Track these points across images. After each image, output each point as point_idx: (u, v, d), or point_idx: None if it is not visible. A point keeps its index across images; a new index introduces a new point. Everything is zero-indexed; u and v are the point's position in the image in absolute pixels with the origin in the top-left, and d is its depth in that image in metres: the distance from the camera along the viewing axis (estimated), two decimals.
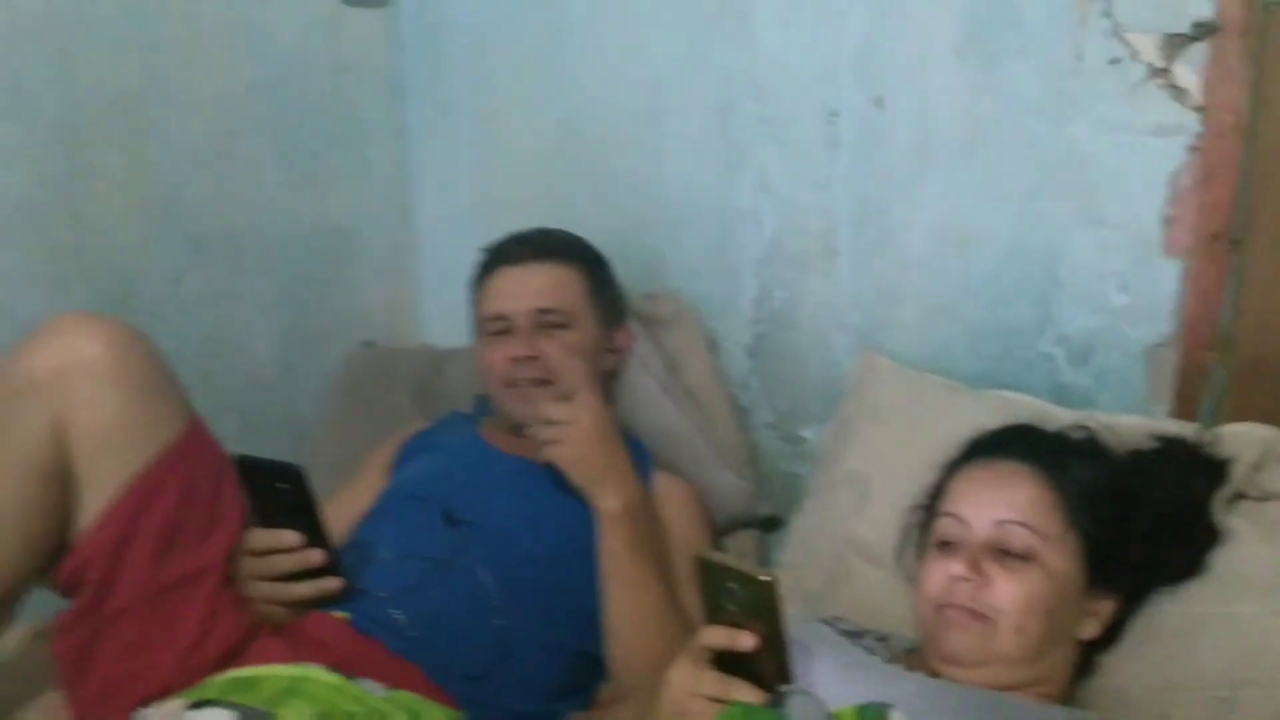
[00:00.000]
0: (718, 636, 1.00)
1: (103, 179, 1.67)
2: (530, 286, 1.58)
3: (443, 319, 2.10)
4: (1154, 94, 1.36)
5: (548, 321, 1.57)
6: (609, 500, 1.39)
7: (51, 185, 1.61)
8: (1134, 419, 1.35)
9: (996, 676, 1.12)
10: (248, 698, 1.15)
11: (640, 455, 1.63)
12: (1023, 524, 1.14)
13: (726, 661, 1.01)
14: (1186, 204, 1.37)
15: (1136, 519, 1.19)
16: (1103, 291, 1.44)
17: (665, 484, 1.58)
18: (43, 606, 1.38)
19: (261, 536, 1.30)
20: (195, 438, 1.32)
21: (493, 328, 1.59)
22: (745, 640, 0.98)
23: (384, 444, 1.69)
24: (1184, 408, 1.41)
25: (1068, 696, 1.19)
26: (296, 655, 1.26)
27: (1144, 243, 1.39)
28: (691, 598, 1.42)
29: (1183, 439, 1.27)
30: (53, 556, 1.26)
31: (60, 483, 1.23)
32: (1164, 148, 1.37)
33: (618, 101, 1.85)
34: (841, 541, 1.45)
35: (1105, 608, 1.18)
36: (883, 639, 1.25)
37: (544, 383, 1.54)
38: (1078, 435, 1.26)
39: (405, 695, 1.22)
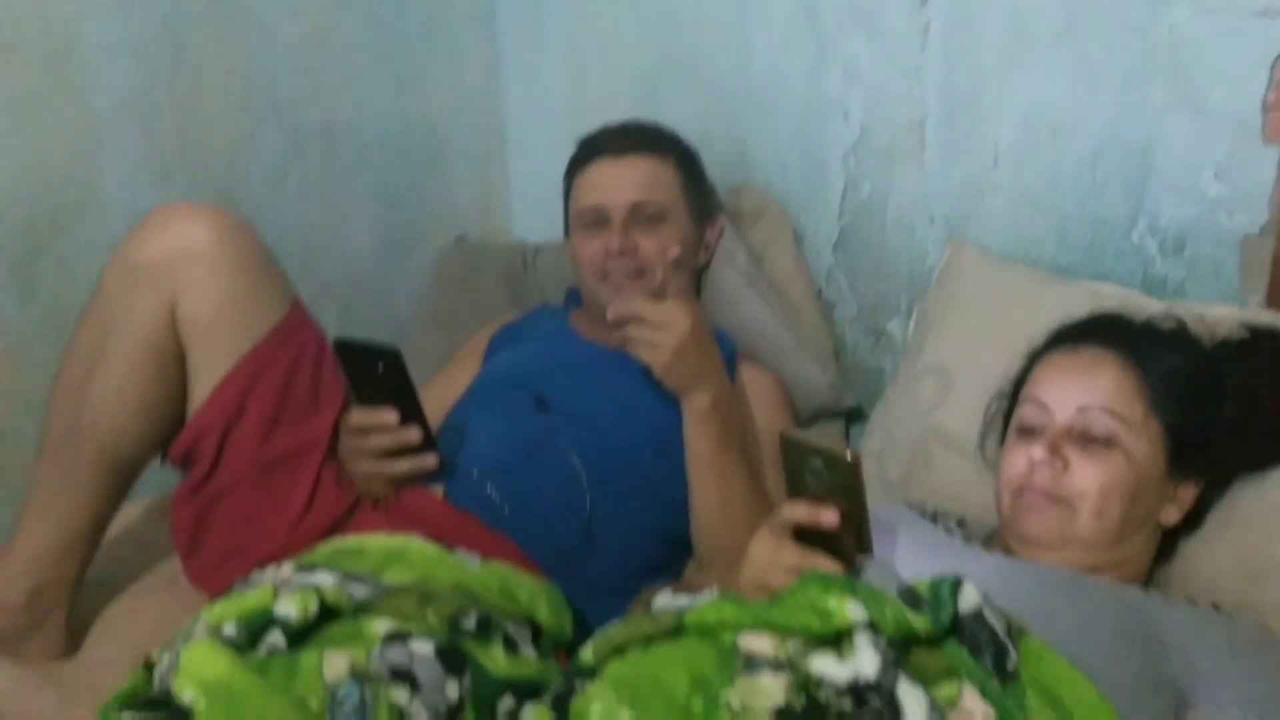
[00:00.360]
0: (800, 511, 1.03)
1: (205, 75, 1.71)
2: (626, 179, 1.59)
3: (533, 214, 2.14)
4: None
5: (643, 215, 1.58)
6: (699, 400, 1.38)
7: (157, 81, 1.66)
8: (1225, 309, 1.33)
9: (1075, 559, 1.14)
10: (352, 564, 1.21)
11: (725, 347, 1.65)
12: (1105, 409, 1.15)
13: (808, 537, 1.04)
14: None
15: (1223, 406, 1.18)
16: (1198, 181, 1.40)
17: (750, 374, 1.60)
18: (161, 483, 1.47)
19: (361, 415, 1.35)
20: (298, 320, 1.38)
21: (588, 219, 1.61)
22: (828, 516, 1.01)
23: (477, 334, 1.74)
24: (1278, 298, 1.38)
25: (1147, 580, 1.21)
26: (395, 527, 1.32)
27: (1243, 129, 1.36)
28: (775, 485, 1.46)
29: (1273, 328, 1.26)
30: (170, 432, 1.33)
31: (175, 362, 1.30)
32: (1267, 30, 1.32)
33: None
34: (924, 430, 1.47)
35: (1188, 494, 1.19)
36: (961, 523, 1.27)
37: (639, 275, 1.56)
38: (1166, 324, 1.25)
39: (498, 565, 1.27)
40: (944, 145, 1.61)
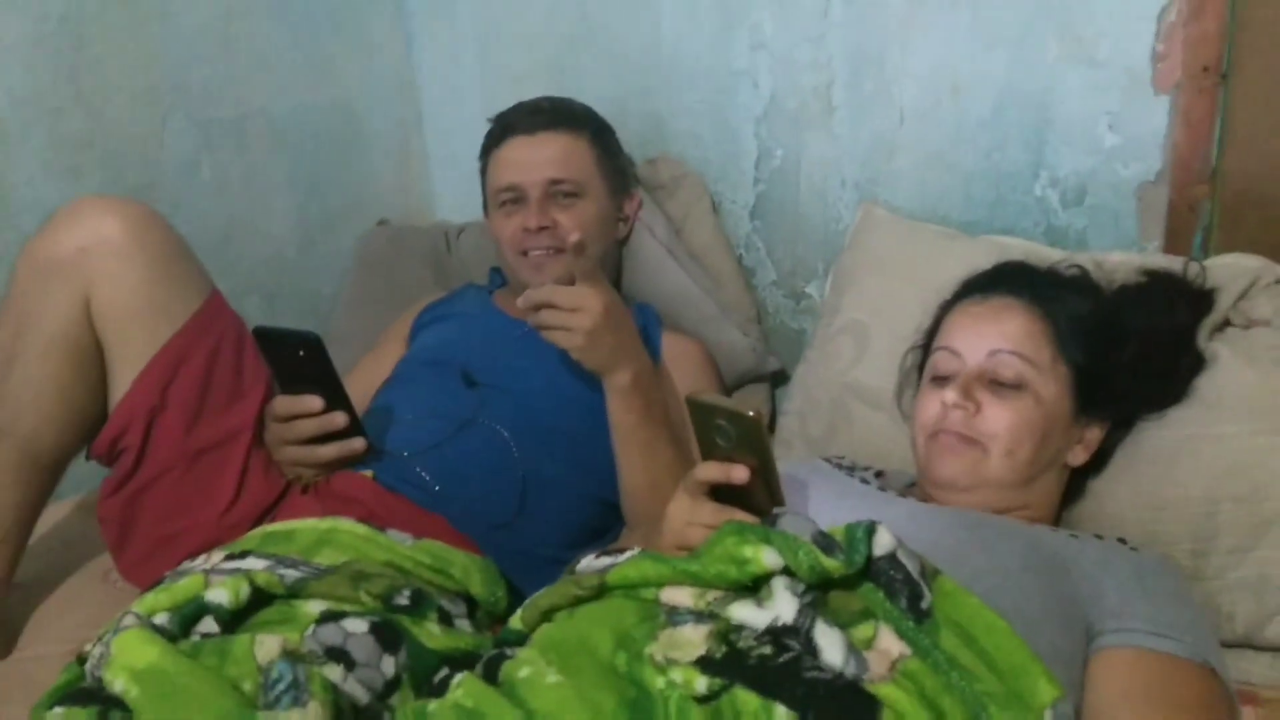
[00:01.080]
0: (712, 470, 1.06)
1: (111, 69, 1.69)
2: (541, 156, 1.60)
3: (454, 194, 2.14)
4: None
5: (559, 191, 1.59)
6: (619, 378, 1.39)
7: (61, 77, 1.63)
8: (1124, 255, 1.38)
9: (987, 500, 1.18)
10: (282, 548, 1.21)
11: (649, 317, 1.67)
12: (1015, 353, 1.18)
13: (722, 494, 1.07)
14: (1175, 39, 1.37)
15: (1124, 348, 1.23)
16: (1094, 132, 1.45)
17: (675, 343, 1.62)
18: (88, 481, 1.46)
19: (285, 403, 1.35)
20: (216, 309, 1.37)
21: (505, 198, 1.61)
22: (738, 472, 1.04)
23: (401, 316, 1.75)
24: (1175, 243, 1.43)
25: (1056, 520, 1.25)
26: (326, 511, 1.32)
27: (1134, 80, 1.40)
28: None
29: (1170, 271, 1.31)
30: (92, 428, 1.33)
31: (93, 357, 1.29)
32: None
33: None
34: (842, 387, 1.50)
35: (1093, 434, 1.23)
36: (880, 474, 1.31)
37: (558, 251, 1.57)
38: (1068, 271, 1.29)
39: (430, 543, 1.28)
40: (851, 108, 1.65)
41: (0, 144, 1.59)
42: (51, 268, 1.26)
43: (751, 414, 0.99)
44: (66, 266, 1.26)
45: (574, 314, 1.35)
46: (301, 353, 1.31)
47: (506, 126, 1.65)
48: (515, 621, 1.07)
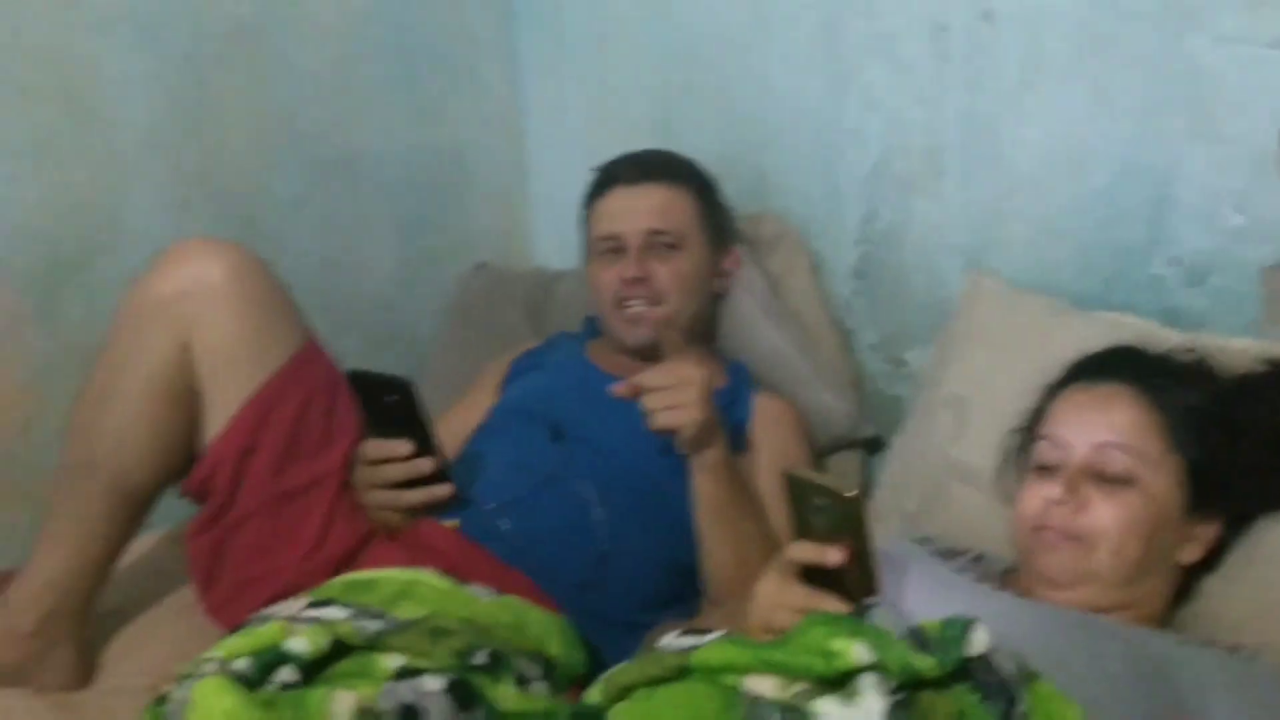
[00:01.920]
0: (805, 551, 1.02)
1: (227, 107, 1.73)
2: (642, 206, 1.60)
3: (553, 241, 2.14)
4: (1275, 3, 1.29)
5: (659, 243, 1.58)
6: (713, 452, 1.37)
7: (179, 114, 1.68)
8: (1246, 342, 1.31)
9: (1091, 598, 1.12)
10: (364, 598, 1.21)
11: (742, 376, 1.65)
12: (1122, 446, 1.13)
13: (814, 576, 1.03)
14: None
15: (1243, 442, 1.16)
16: (1218, 211, 1.38)
17: (767, 404, 1.60)
18: (178, 513, 1.48)
19: (375, 446, 1.36)
20: (311, 355, 1.39)
21: (604, 247, 1.61)
22: (832, 555, 1.00)
23: (495, 362, 1.74)
24: None
25: (1165, 620, 1.18)
26: (410, 560, 1.32)
27: (1261, 160, 1.34)
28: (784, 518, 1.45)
29: None
30: (183, 467, 1.34)
31: (187, 398, 1.31)
32: None
33: (724, 20, 1.83)
34: (940, 463, 1.45)
35: (1208, 532, 1.17)
36: (977, 559, 1.26)
37: (655, 302, 1.57)
38: (1184, 357, 1.23)
39: (511, 599, 1.27)
40: (962, 173, 1.60)
41: (119, 176, 1.63)
42: (153, 310, 1.28)
43: (852, 494, 0.95)
44: (168, 309, 1.28)
45: (680, 389, 1.32)
46: (394, 397, 1.32)
47: (609, 177, 1.65)
48: (593, 695, 1.04)
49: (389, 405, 1.33)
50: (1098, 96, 1.45)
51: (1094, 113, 1.46)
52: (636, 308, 1.58)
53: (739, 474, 1.41)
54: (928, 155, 1.63)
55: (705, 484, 1.38)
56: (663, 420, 1.33)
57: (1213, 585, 1.20)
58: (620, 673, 1.03)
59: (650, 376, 1.33)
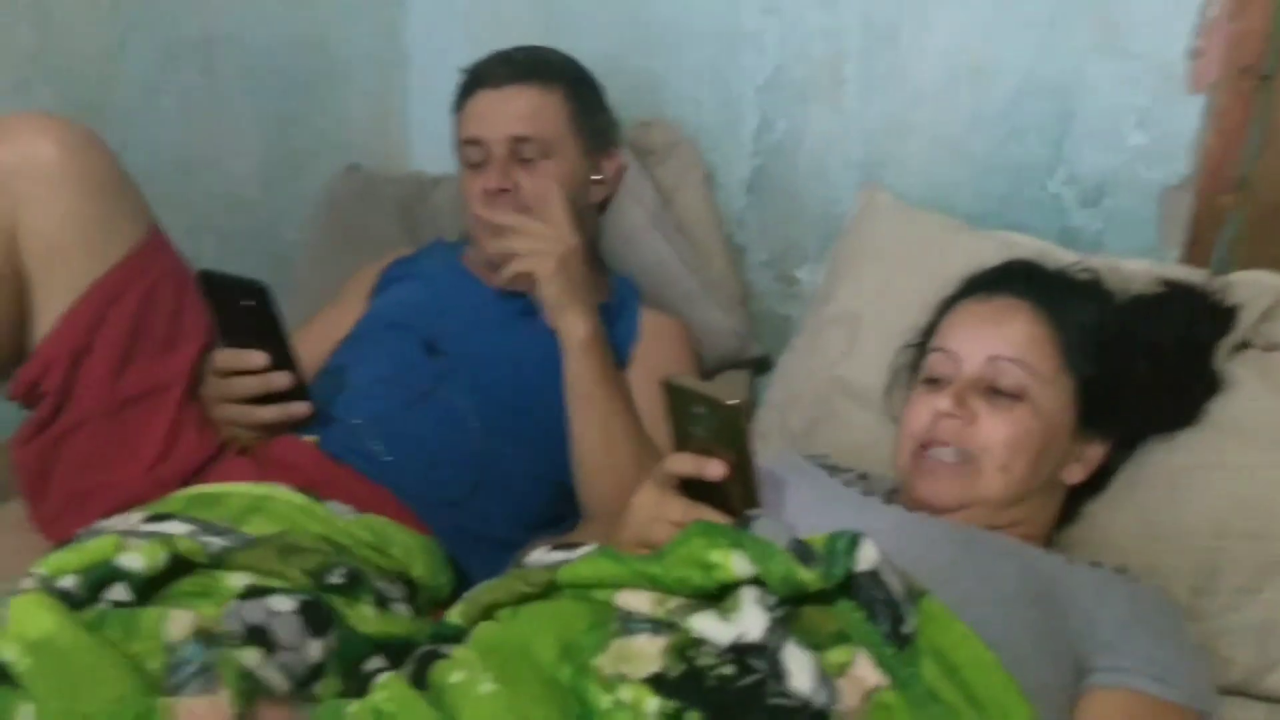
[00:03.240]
0: (684, 463, 0.97)
1: None
2: (507, 111, 1.48)
3: (431, 144, 2.02)
4: None
5: (525, 152, 1.48)
6: (578, 326, 1.33)
7: None
8: (1142, 263, 1.30)
9: (976, 516, 1.10)
10: (209, 513, 1.12)
11: (627, 290, 1.58)
12: (1016, 361, 1.10)
13: (694, 488, 0.98)
14: (1215, 35, 1.28)
15: (1136, 363, 1.14)
16: (1119, 129, 1.36)
17: (653, 320, 1.53)
18: (3, 418, 1.36)
19: (226, 356, 1.26)
20: (155, 247, 1.27)
21: (469, 155, 1.51)
22: (713, 468, 0.95)
23: (365, 269, 1.64)
24: (1196, 254, 1.35)
25: (1050, 541, 1.17)
26: (262, 476, 1.23)
27: (1167, 76, 1.31)
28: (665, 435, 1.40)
29: (1190, 284, 1.23)
30: (8, 367, 1.23)
31: (13, 290, 1.19)
32: None
33: None
34: (829, 381, 1.41)
35: (1094, 452, 1.15)
36: (863, 477, 1.22)
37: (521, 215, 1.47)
38: (1081, 275, 1.20)
39: (373, 518, 1.19)
40: (862, 84, 1.55)
41: None
42: None
43: (733, 402, 0.89)
44: None
45: (543, 239, 1.34)
46: (249, 303, 1.22)
47: (475, 78, 1.53)
48: (454, 615, 0.97)
49: (242, 311, 1.23)
50: (1002, 5, 1.41)
51: (998, 22, 1.42)
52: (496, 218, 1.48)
53: (611, 363, 1.37)
54: (827, 64, 1.57)
55: (572, 363, 1.34)
56: (519, 265, 1.34)
57: (1096, 508, 1.19)
58: (483, 591, 0.96)
59: (519, 219, 1.36)
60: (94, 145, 1.22)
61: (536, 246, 1.34)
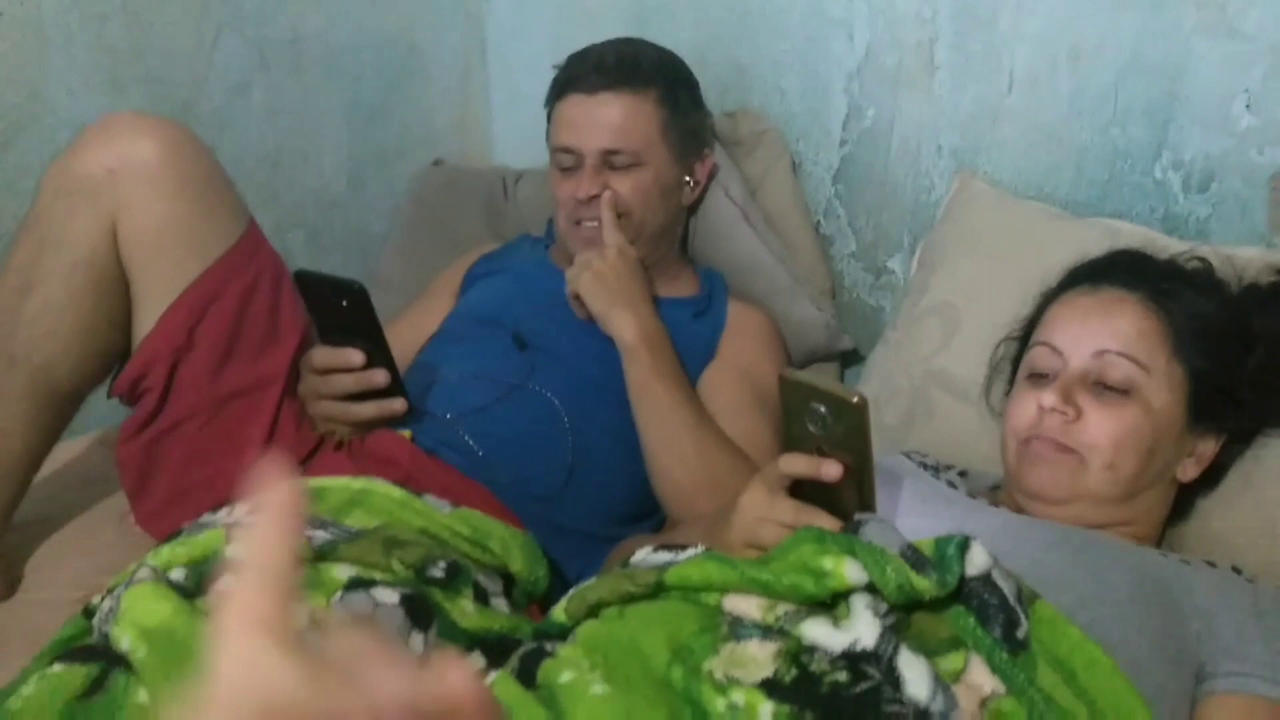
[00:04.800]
0: (798, 464, 0.94)
1: None
2: (600, 120, 1.46)
3: (514, 138, 2.03)
4: None
5: (617, 162, 1.47)
6: (623, 329, 1.35)
7: None
8: (1254, 251, 1.24)
9: (1083, 515, 1.06)
10: (311, 507, 1.13)
11: (715, 284, 1.57)
12: (1124, 355, 1.06)
13: (806, 489, 0.96)
14: None
15: (1249, 355, 1.10)
16: (1228, 112, 1.30)
17: (741, 313, 1.52)
18: (108, 416, 1.38)
19: (324, 354, 1.27)
20: (253, 244, 1.28)
21: (561, 161, 1.50)
22: (829, 469, 0.92)
23: (452, 266, 1.65)
24: None
25: (1161, 539, 1.13)
26: (359, 470, 1.23)
27: (1277, 56, 1.25)
28: (752, 426, 1.39)
29: None
30: (114, 363, 1.25)
31: (117, 289, 1.20)
32: None
33: None
34: (924, 374, 1.38)
35: (1207, 447, 1.11)
36: (963, 474, 1.20)
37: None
38: (1190, 265, 1.16)
39: (470, 512, 1.19)
40: (954, 69, 1.50)
41: (39, 49, 1.49)
42: (78, 188, 1.17)
43: (857, 400, 0.87)
44: (94, 187, 1.17)
45: (589, 260, 1.40)
46: (345, 302, 1.22)
47: (568, 80, 1.51)
48: (559, 613, 0.96)
49: (340, 310, 1.23)
50: None
51: (1098, 4, 1.36)
52: (592, 227, 1.47)
53: (670, 360, 1.37)
54: (918, 49, 1.53)
55: (626, 365, 1.36)
56: (569, 289, 1.41)
57: (1211, 505, 1.15)
58: (589, 589, 0.95)
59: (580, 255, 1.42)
60: (192, 144, 1.23)
61: (577, 265, 1.40)
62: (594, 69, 1.49)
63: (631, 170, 1.46)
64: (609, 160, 1.46)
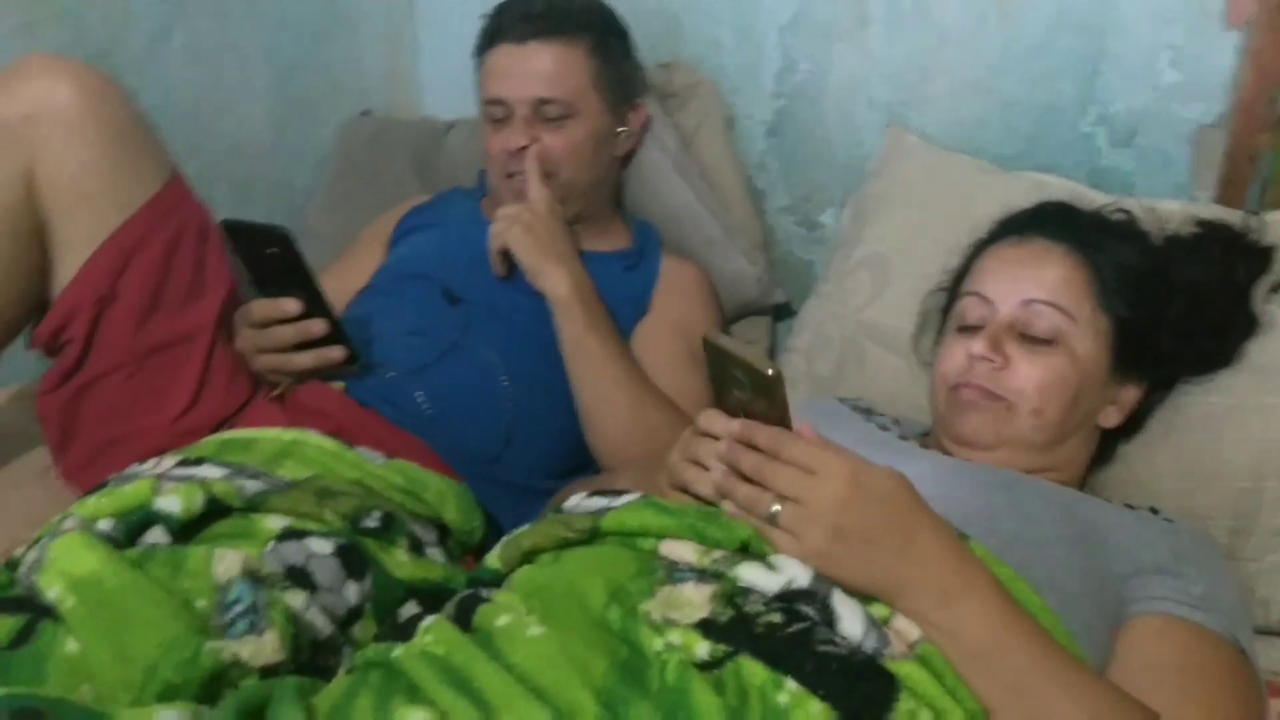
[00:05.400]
0: (715, 424, 0.95)
1: None
2: (529, 70, 1.44)
3: (444, 88, 1.99)
4: None
5: (548, 112, 1.45)
6: (556, 285, 1.34)
7: None
8: (1176, 203, 1.28)
9: (1010, 460, 1.09)
10: (242, 457, 1.12)
11: (648, 237, 1.56)
12: (1051, 304, 1.08)
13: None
14: None
15: (1171, 304, 1.13)
16: (1153, 66, 1.33)
17: (674, 267, 1.52)
18: (28, 368, 1.34)
19: (261, 306, 1.24)
20: (178, 193, 1.25)
21: (492, 113, 1.48)
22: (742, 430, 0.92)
23: (382, 217, 1.63)
24: (1230, 194, 1.33)
25: (1084, 484, 1.16)
26: (291, 421, 1.22)
27: (1202, 12, 1.28)
28: (685, 381, 1.40)
29: (1226, 224, 1.21)
30: (31, 314, 1.21)
31: (34, 236, 1.17)
32: None
33: None
34: (855, 325, 1.40)
35: (1130, 395, 1.14)
36: (896, 421, 1.21)
37: (543, 175, 1.44)
38: (1115, 216, 1.19)
39: (404, 464, 1.19)
40: (888, 22, 1.52)
41: None
42: None
43: (771, 372, 0.88)
44: (8, 132, 1.13)
45: (515, 215, 1.38)
46: (273, 250, 1.20)
47: (495, 30, 1.48)
48: (493, 560, 0.96)
49: (269, 259, 1.20)
50: None
51: None
52: (522, 181, 1.45)
53: (600, 314, 1.37)
54: (852, 3, 1.54)
55: (558, 319, 1.35)
56: (493, 242, 1.39)
57: (1133, 450, 1.18)
58: (524, 535, 0.95)
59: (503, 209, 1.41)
60: (112, 88, 1.19)
61: (506, 226, 1.38)
62: (522, 17, 1.46)
63: (564, 123, 1.45)
64: (541, 111, 1.44)
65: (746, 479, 0.87)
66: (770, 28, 1.62)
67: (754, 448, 0.87)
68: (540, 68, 1.44)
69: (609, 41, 1.51)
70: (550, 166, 1.44)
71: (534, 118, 1.44)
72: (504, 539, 0.98)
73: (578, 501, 0.99)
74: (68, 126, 1.14)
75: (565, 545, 0.93)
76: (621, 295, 1.44)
